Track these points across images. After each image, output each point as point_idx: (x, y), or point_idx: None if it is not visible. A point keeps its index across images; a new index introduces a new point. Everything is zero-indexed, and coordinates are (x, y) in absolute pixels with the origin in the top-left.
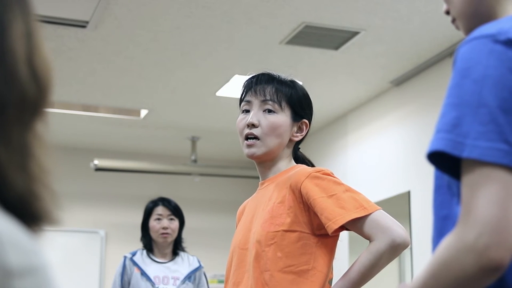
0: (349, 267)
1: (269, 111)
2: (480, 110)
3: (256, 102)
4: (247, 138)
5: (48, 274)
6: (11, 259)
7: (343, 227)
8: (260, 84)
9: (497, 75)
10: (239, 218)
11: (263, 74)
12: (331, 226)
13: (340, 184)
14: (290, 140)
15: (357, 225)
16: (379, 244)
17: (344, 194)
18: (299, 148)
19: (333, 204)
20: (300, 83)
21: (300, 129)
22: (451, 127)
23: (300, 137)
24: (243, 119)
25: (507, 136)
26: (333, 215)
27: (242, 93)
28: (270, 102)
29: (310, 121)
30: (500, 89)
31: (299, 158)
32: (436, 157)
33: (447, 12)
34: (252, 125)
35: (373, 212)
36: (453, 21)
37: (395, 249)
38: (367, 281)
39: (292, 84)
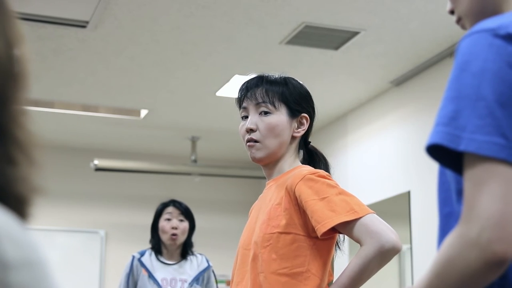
0: (341, 272)
1: (265, 112)
2: (478, 104)
3: (251, 106)
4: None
5: (45, 268)
6: (8, 252)
7: (335, 230)
8: (251, 88)
9: (495, 69)
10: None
11: (252, 78)
12: (320, 229)
13: (333, 186)
14: (293, 137)
15: (347, 228)
16: (368, 249)
17: (336, 197)
18: (310, 142)
19: (323, 207)
20: (301, 82)
21: (301, 124)
22: (449, 120)
23: (302, 132)
24: (243, 126)
25: (504, 130)
26: (323, 218)
27: (238, 101)
28: (263, 104)
29: (311, 114)
30: (498, 83)
31: (311, 152)
32: (436, 151)
33: (451, 12)
34: (250, 130)
35: (363, 216)
36: (458, 21)
37: (384, 255)
38: (359, 286)
39: (283, 81)
